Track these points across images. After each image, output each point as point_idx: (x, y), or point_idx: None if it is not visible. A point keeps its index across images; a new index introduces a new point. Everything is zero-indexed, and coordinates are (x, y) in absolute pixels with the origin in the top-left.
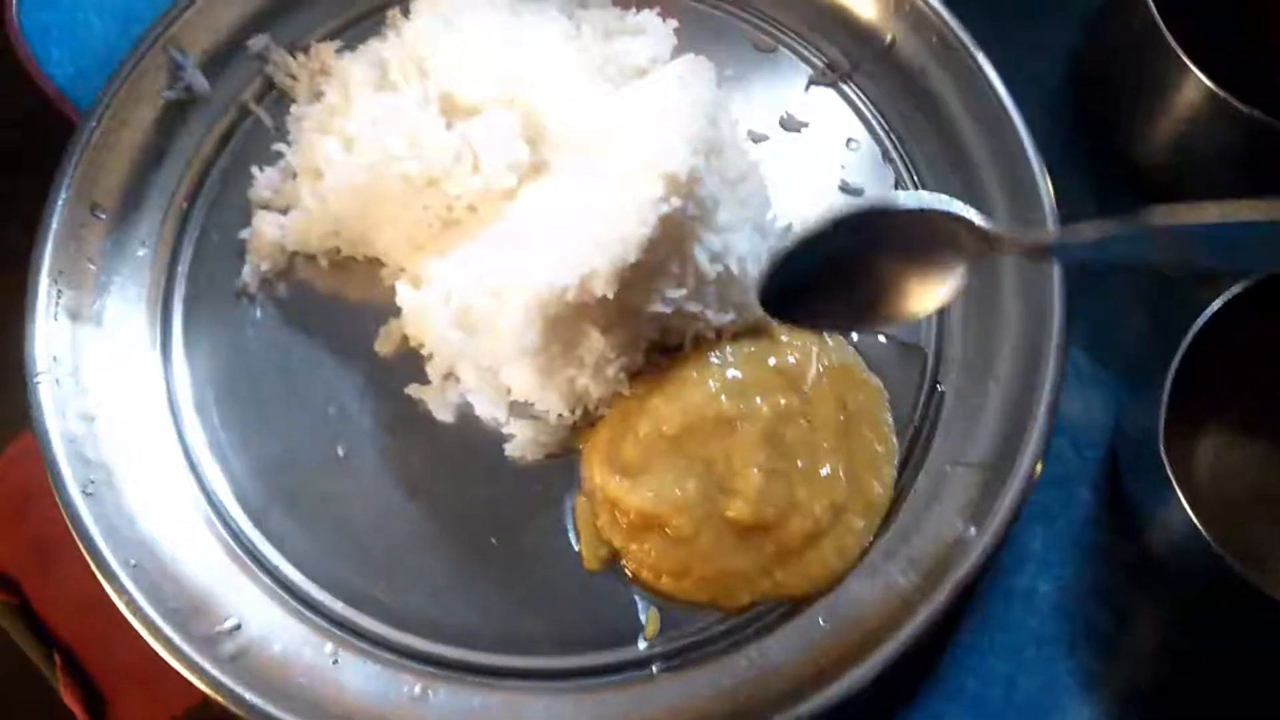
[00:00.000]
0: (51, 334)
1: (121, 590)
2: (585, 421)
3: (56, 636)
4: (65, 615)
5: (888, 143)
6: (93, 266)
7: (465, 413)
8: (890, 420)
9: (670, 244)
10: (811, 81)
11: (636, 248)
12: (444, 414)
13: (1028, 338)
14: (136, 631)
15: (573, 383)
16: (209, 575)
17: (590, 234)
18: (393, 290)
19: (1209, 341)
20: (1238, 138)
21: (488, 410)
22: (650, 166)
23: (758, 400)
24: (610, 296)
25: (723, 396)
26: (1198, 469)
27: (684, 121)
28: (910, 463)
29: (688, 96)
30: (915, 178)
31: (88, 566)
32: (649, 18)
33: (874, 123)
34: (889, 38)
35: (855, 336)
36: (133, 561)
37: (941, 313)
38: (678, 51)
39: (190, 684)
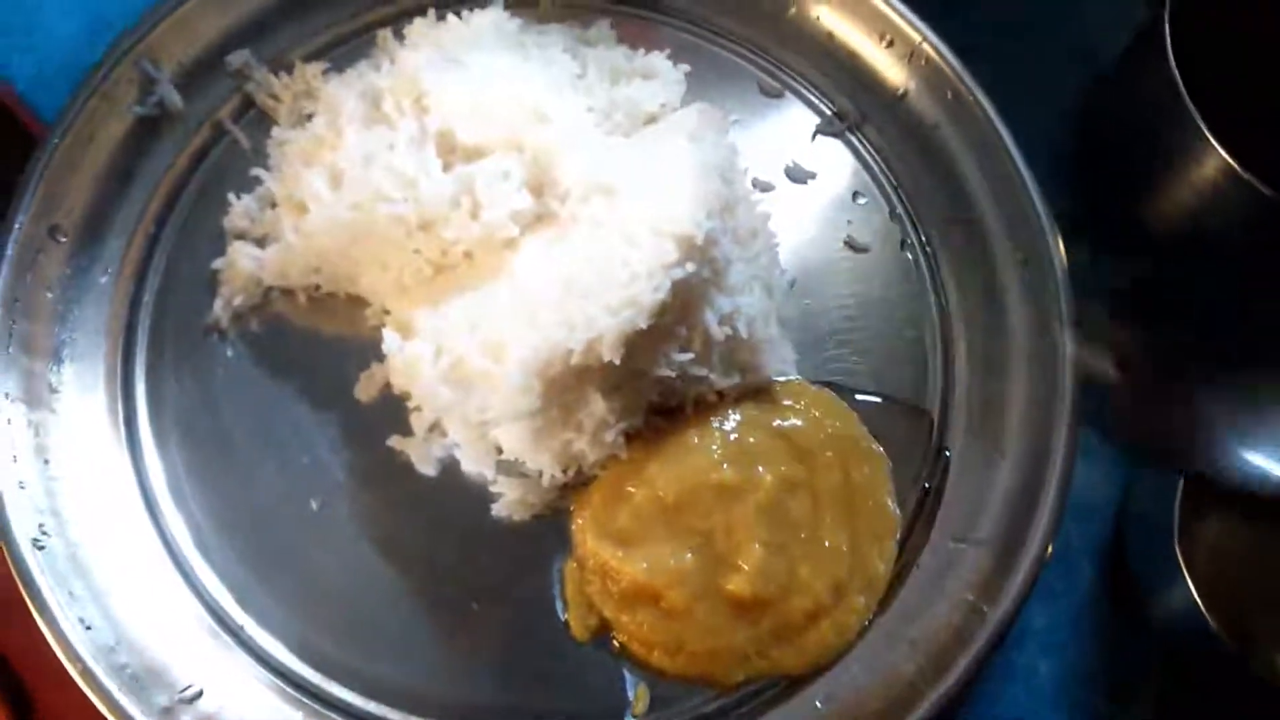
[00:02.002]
0: (4, 368)
1: (73, 655)
2: (577, 481)
3: None
4: None
5: (895, 199)
6: (50, 295)
7: (449, 466)
8: (893, 492)
9: (680, 307)
10: (819, 130)
11: (648, 314)
12: (426, 467)
13: (1037, 408)
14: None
15: (569, 446)
16: (169, 637)
17: (598, 296)
18: (375, 330)
19: None
20: (1257, 217)
21: (474, 466)
22: (663, 227)
23: (760, 469)
24: (617, 362)
25: (725, 464)
26: (1201, 549)
27: (697, 179)
28: (913, 537)
29: (701, 152)
30: (924, 239)
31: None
32: (658, 60)
33: (881, 177)
34: (901, 90)
35: (857, 397)
36: (86, 622)
37: (948, 372)
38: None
39: None
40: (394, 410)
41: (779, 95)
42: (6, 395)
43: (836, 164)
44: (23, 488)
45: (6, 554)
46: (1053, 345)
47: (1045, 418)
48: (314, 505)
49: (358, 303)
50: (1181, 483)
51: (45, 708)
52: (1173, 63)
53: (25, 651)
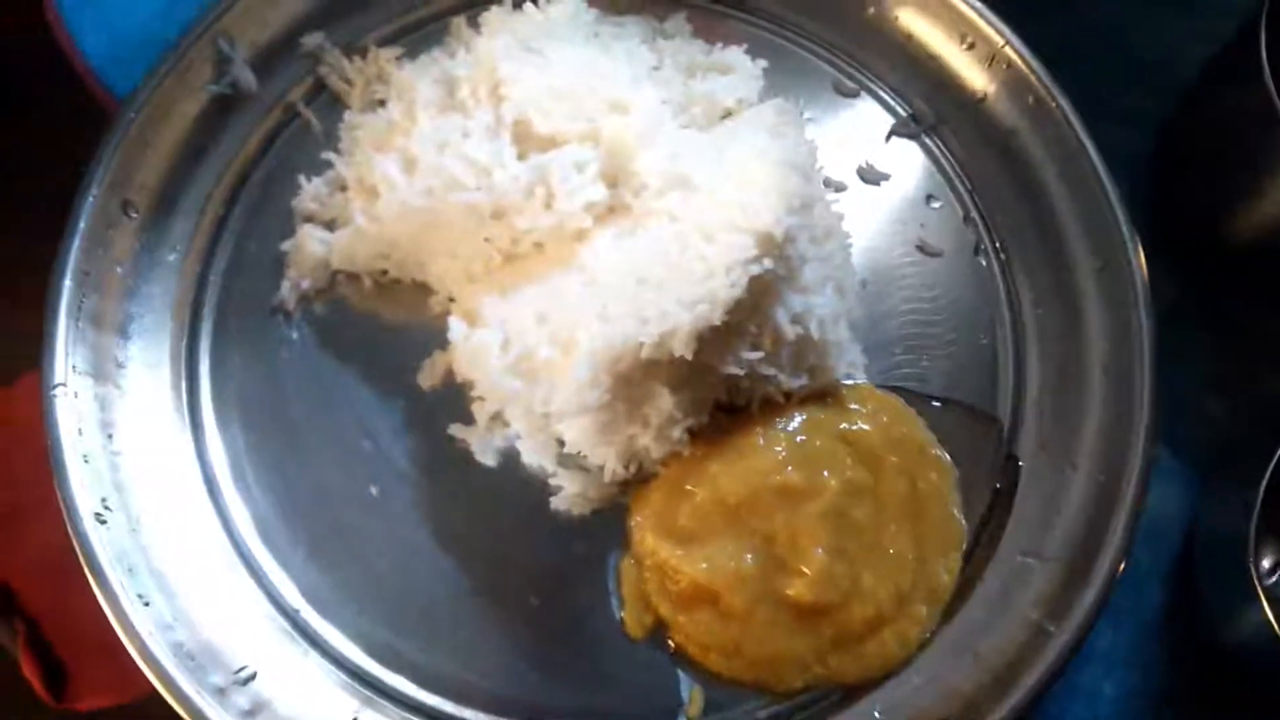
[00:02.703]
0: (73, 341)
1: (130, 631)
2: (638, 477)
3: (20, 606)
4: (30, 584)
5: (970, 204)
6: (120, 270)
7: (509, 457)
8: (960, 502)
9: (754, 304)
10: (894, 131)
11: (723, 309)
12: (487, 457)
13: (1112, 422)
14: (97, 604)
15: (633, 441)
16: (225, 617)
17: (673, 290)
18: (440, 318)
19: None
20: None
21: (535, 458)
22: (742, 222)
23: (825, 473)
24: (689, 357)
25: (789, 467)
26: (1275, 569)
27: (778, 175)
28: (979, 549)
29: (782, 148)
30: (998, 245)
31: (56, 534)
32: (736, 55)
33: (956, 181)
34: (981, 93)
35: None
36: (145, 598)
37: (1019, 381)
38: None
39: None
40: (456, 398)
41: (855, 95)
42: (74, 368)
43: (911, 166)
44: (87, 461)
45: (69, 526)
46: (1130, 357)
47: (1120, 432)
48: (373, 491)
49: (422, 289)
50: (1260, 500)
51: (79, 680)
52: (1268, 74)
53: (64, 626)
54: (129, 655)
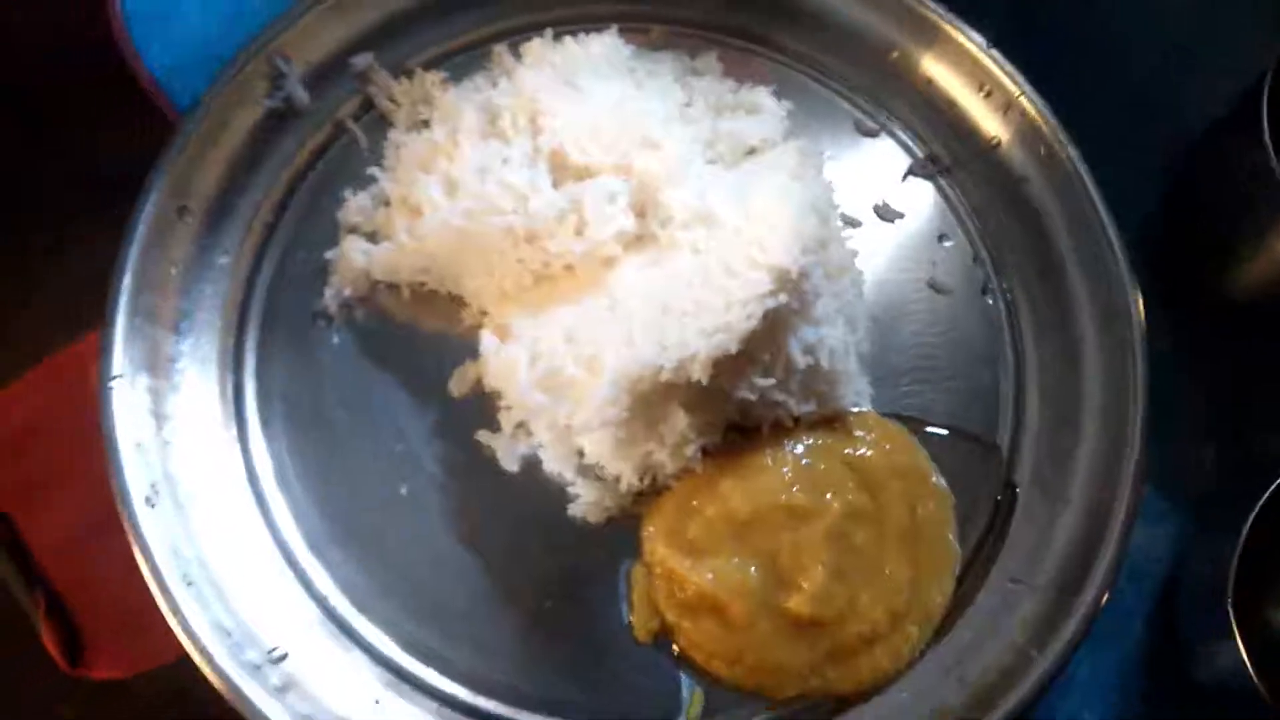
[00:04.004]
0: (130, 336)
1: (174, 607)
2: (651, 489)
3: (43, 577)
4: (54, 556)
5: (980, 245)
6: (174, 270)
7: (531, 464)
8: (956, 529)
9: (768, 335)
10: (910, 171)
11: (739, 339)
12: (510, 464)
13: (1105, 460)
14: (120, 579)
15: (649, 456)
16: (262, 601)
17: (693, 319)
18: (472, 329)
19: None
20: None
21: (555, 466)
22: (760, 258)
23: (829, 496)
24: (705, 382)
25: (795, 487)
26: (1253, 613)
27: (797, 216)
28: (972, 574)
29: (802, 190)
30: (1004, 285)
31: (81, 507)
32: (763, 96)
33: (969, 222)
34: (995, 139)
35: (928, 429)
36: (189, 578)
37: (1019, 417)
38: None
39: (166, 641)
40: (484, 407)
41: (874, 134)
42: (131, 361)
43: (925, 206)
44: (139, 448)
45: (119, 507)
46: (1124, 400)
47: (1112, 470)
48: (403, 490)
49: (457, 302)
50: (1241, 545)
51: (95, 650)
52: (1268, 136)
53: (83, 598)
54: (143, 630)
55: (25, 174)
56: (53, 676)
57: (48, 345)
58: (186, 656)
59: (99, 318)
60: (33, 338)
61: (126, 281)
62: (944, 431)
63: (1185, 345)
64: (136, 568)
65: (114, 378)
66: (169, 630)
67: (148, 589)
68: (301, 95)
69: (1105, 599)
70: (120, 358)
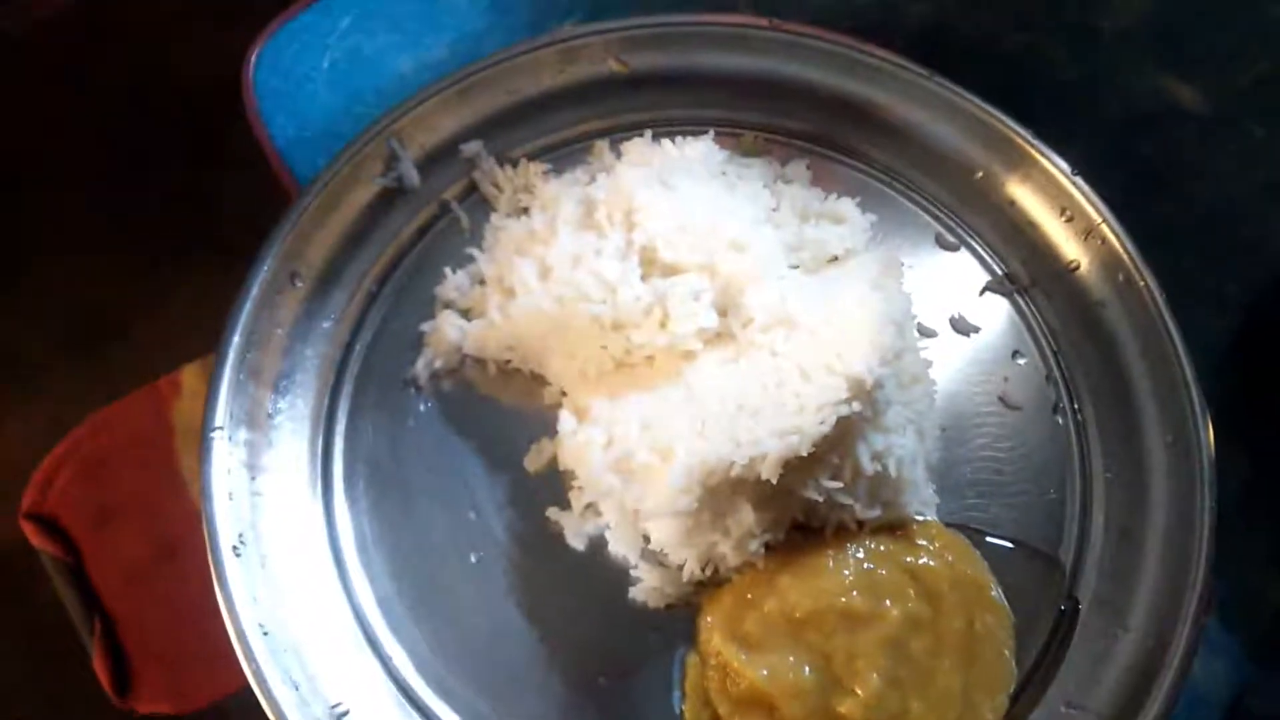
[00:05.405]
0: (234, 391)
1: (249, 654)
2: (712, 580)
3: (101, 604)
4: (113, 585)
5: (1053, 364)
6: (280, 331)
7: (597, 544)
8: (1014, 646)
9: (838, 439)
10: (988, 287)
11: (810, 443)
12: (577, 541)
13: (1168, 588)
14: (175, 615)
15: (713, 547)
16: (327, 654)
17: (767, 419)
18: (552, 409)
19: None
20: None
21: (621, 549)
22: (837, 365)
23: (888, 602)
24: (774, 481)
25: (854, 591)
26: None
27: (874, 326)
28: (1027, 694)
29: (881, 301)
30: (1076, 406)
31: (143, 542)
32: (849, 206)
33: (1043, 341)
34: (1074, 263)
35: (988, 539)
36: (264, 628)
37: (1083, 537)
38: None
39: (211, 682)
40: (556, 484)
41: (954, 248)
42: (232, 415)
43: (1001, 322)
44: (231, 498)
45: (209, 556)
46: (1190, 529)
47: (1174, 600)
48: (473, 558)
49: (540, 380)
50: None
51: (142, 684)
52: None
53: (136, 630)
54: (191, 668)
55: (150, 206)
56: (100, 711)
57: (137, 378)
58: (236, 698)
59: (186, 359)
60: (126, 368)
61: (236, 340)
62: (1008, 544)
63: (1255, 479)
64: (191, 606)
65: (215, 429)
66: (217, 670)
67: (202, 628)
68: (413, 176)
69: None
70: (223, 411)
